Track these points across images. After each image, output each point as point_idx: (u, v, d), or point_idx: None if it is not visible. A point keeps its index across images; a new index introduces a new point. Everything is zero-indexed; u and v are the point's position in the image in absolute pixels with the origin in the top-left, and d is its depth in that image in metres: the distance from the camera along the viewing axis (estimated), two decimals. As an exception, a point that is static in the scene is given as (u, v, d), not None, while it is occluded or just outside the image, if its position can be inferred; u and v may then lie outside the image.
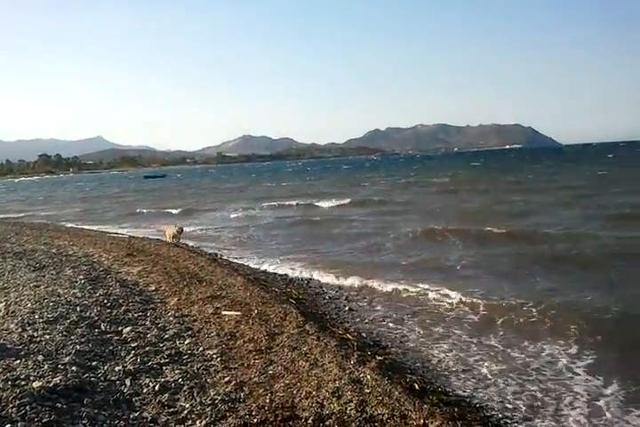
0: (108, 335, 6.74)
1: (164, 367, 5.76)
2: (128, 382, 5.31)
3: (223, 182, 72.01)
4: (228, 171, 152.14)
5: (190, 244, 16.55)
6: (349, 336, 7.20)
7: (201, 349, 6.34)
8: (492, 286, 9.94)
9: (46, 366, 5.43)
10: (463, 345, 7.31)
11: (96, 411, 4.62)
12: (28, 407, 4.46)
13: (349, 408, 4.75)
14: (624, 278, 10.15)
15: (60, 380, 5.07)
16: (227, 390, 5.18)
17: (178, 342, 6.56)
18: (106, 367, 5.65)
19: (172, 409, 4.80)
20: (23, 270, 10.87)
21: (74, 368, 5.45)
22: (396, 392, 5.10)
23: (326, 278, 11.50)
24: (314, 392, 5.07)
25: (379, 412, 4.69)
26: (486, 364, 6.63)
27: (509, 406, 5.49)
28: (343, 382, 5.29)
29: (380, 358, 6.31)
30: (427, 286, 10.01)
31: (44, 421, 4.29)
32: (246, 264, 13.40)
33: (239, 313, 7.73)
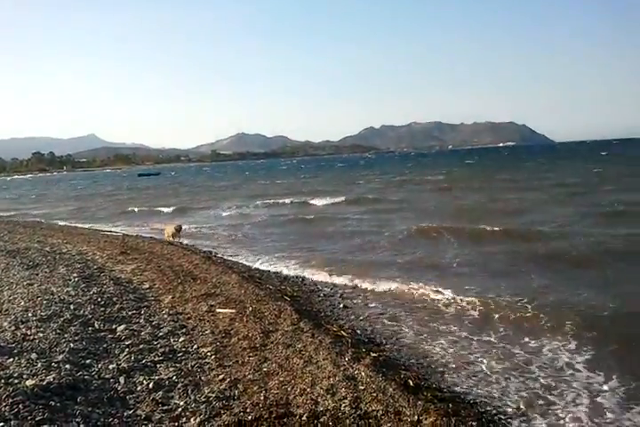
0: (102, 333, 6.72)
1: (158, 365, 5.74)
2: (122, 379, 5.29)
3: (217, 180, 71.90)
4: (223, 169, 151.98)
5: (185, 242, 16.51)
6: (344, 333, 7.20)
7: (195, 346, 6.33)
8: (487, 284, 9.96)
9: (40, 365, 5.41)
10: (458, 342, 7.32)
11: (90, 409, 4.60)
12: (21, 406, 4.44)
13: (344, 405, 4.75)
14: (618, 276, 10.18)
15: (54, 378, 5.05)
16: (221, 387, 5.17)
17: (172, 340, 6.54)
18: (100, 365, 5.63)
19: (166, 407, 4.79)
20: (16, 269, 10.81)
21: (67, 366, 5.43)
22: (391, 389, 5.11)
23: (321, 276, 11.51)
24: (308, 389, 5.07)
25: (373, 408, 4.70)
26: (481, 360, 6.65)
27: (504, 402, 5.51)
28: (337, 378, 5.30)
29: (374, 354, 6.32)
30: (421, 284, 10.02)
31: (37, 419, 4.28)
32: (241, 262, 13.38)
33: (234, 311, 7.72)
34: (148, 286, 9.50)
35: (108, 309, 7.83)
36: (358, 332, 7.71)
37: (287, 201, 29.90)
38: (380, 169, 75.98)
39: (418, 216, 20.46)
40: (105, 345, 6.30)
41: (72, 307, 7.75)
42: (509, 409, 5.35)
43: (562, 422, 5.13)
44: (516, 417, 5.20)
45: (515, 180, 36.30)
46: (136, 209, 30.94)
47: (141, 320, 7.35)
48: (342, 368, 5.58)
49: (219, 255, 14.19)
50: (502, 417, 5.17)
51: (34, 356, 5.65)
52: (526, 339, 7.34)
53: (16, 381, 4.93)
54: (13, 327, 6.61)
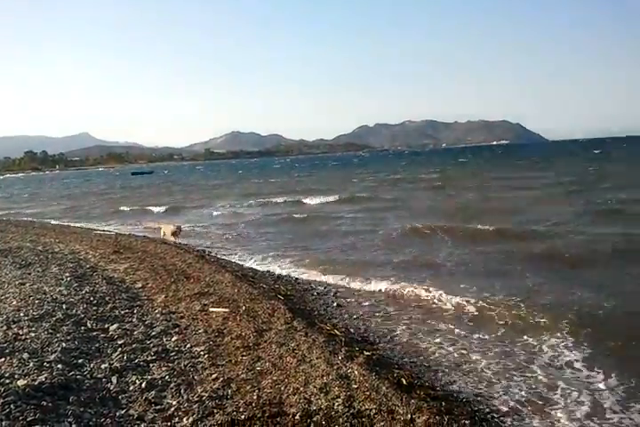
0: (95, 333, 6.69)
1: (150, 365, 5.72)
2: (114, 379, 5.27)
3: (210, 179, 71.78)
4: (216, 167, 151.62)
5: (178, 241, 16.47)
6: (337, 332, 7.20)
7: (188, 346, 6.31)
8: (481, 283, 9.96)
9: (31, 364, 5.38)
10: (452, 341, 7.33)
11: (82, 409, 4.58)
12: (12, 406, 4.41)
13: (337, 404, 4.75)
14: (614, 275, 10.19)
15: (46, 378, 5.03)
16: (214, 386, 5.15)
17: (165, 340, 6.52)
18: (92, 365, 5.60)
19: (158, 406, 4.77)
20: (8, 268, 10.75)
21: (59, 366, 5.40)
22: (384, 387, 5.11)
23: (314, 275, 11.50)
24: (301, 388, 5.07)
25: (366, 407, 4.70)
26: (475, 359, 6.66)
27: (497, 401, 5.51)
28: (331, 377, 5.29)
29: (367, 353, 6.31)
30: (416, 283, 10.00)
31: (28, 419, 4.25)
32: (234, 261, 13.35)
33: (227, 310, 7.70)
34: (140, 285, 9.46)
35: (100, 308, 7.80)
36: (352, 330, 7.71)
37: (281, 200, 29.86)
38: (373, 167, 76.04)
39: (412, 215, 20.48)
40: (97, 345, 6.27)
41: (64, 306, 7.71)
42: (503, 408, 5.36)
43: (559, 420, 5.12)
44: (508, 415, 5.21)
45: (508, 178, 36.41)
46: (129, 208, 30.82)
47: (134, 319, 7.32)
48: (335, 367, 5.57)
49: (212, 254, 14.16)
50: (495, 415, 5.17)
51: (26, 356, 5.62)
52: (520, 337, 7.33)
53: (7, 381, 4.90)
54: (5, 327, 6.57)
